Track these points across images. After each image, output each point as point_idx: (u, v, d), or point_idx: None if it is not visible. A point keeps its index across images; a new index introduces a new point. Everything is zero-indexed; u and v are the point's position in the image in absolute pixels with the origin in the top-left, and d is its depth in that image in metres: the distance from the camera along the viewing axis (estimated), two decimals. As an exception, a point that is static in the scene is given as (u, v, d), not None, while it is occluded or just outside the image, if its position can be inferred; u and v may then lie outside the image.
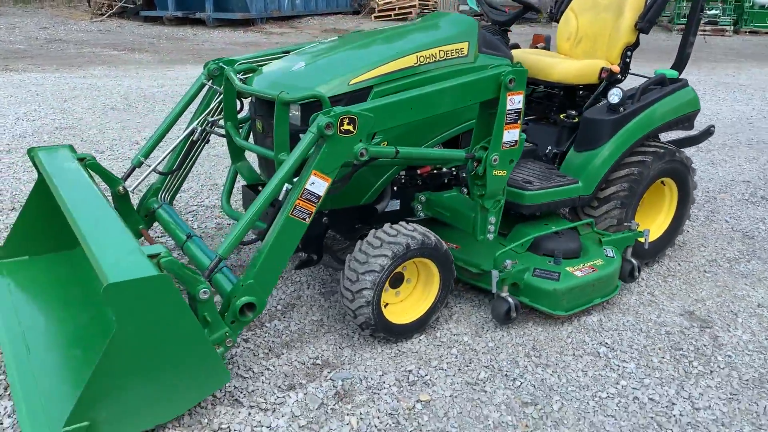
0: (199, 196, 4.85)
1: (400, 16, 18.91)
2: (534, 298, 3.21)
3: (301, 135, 2.63)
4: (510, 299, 3.13)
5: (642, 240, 3.59)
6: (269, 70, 3.17)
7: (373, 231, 2.99)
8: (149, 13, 16.85)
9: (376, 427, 2.52)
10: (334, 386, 2.74)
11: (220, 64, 3.47)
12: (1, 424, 2.43)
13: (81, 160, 3.23)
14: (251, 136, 3.41)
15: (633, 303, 3.53)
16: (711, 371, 2.97)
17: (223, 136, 3.52)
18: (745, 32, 19.95)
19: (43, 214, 3.35)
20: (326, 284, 3.59)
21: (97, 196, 2.84)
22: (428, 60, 3.10)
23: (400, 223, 3.03)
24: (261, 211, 2.54)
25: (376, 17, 18.75)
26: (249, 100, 3.34)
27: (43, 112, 6.99)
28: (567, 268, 3.28)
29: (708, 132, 4.29)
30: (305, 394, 2.68)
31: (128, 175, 3.46)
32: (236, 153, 3.40)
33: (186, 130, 3.49)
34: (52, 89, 8.25)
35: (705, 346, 3.17)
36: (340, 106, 2.71)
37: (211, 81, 3.47)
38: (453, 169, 3.42)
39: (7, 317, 2.92)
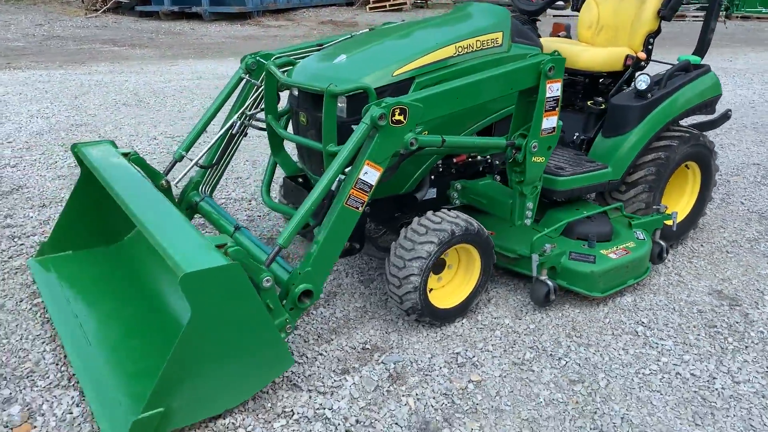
0: (225, 190, 4.91)
1: (395, 7, 18.93)
2: (571, 281, 3.30)
3: (353, 126, 2.70)
4: (549, 282, 3.22)
5: (670, 223, 3.69)
6: (310, 63, 3.23)
7: (417, 219, 3.07)
8: (144, 7, 16.79)
9: (432, 407, 2.62)
10: (386, 369, 2.83)
11: (258, 58, 3.53)
12: (71, 413, 2.50)
13: (125, 155, 3.29)
14: (290, 128, 3.47)
15: (662, 284, 3.64)
16: (746, 347, 3.08)
17: (261, 129, 3.58)
18: (737, 17, 20.12)
19: (87, 209, 3.41)
20: (364, 272, 3.67)
21: (152, 190, 2.90)
22: (466, 50, 3.17)
23: (442, 210, 3.11)
24: (318, 202, 2.61)
25: (371, 8, 18.76)
26: (288, 93, 3.39)
27: (56, 109, 7.02)
28: (601, 251, 3.37)
29: (725, 116, 4.39)
30: (360, 377, 2.77)
31: (170, 169, 3.52)
32: (276, 145, 3.46)
33: (225, 124, 3.54)
34: (59, 86, 8.26)
35: (737, 323, 3.28)
36: (385, 97, 2.79)
37: (248, 75, 3.53)
38: (488, 157, 3.50)
39: (62, 310, 2.99)
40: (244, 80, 3.55)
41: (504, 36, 3.31)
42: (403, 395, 2.67)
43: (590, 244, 3.41)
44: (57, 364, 2.78)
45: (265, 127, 3.58)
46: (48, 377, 2.71)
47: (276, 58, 3.47)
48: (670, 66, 3.87)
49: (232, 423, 2.47)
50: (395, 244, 3.04)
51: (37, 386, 2.65)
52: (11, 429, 2.42)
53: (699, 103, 3.84)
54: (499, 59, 3.25)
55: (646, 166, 3.70)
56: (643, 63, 3.90)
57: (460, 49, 3.15)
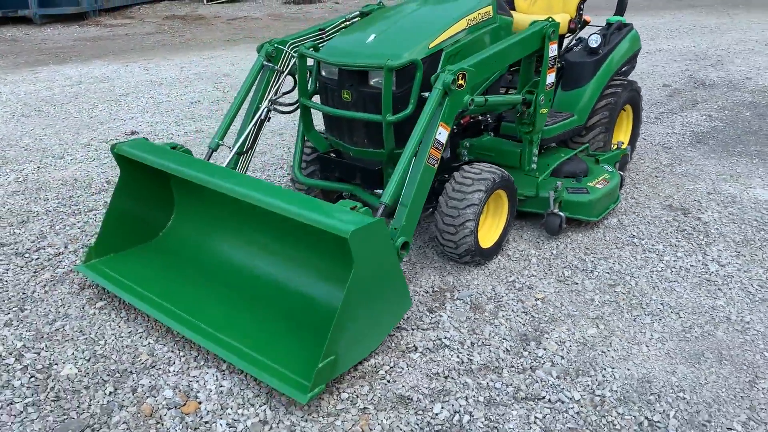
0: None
1: (234, -2, 18.66)
2: (573, 211, 3.93)
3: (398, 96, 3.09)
4: (561, 213, 3.83)
5: (628, 154, 4.47)
6: (343, 44, 3.51)
7: (458, 174, 3.50)
8: (-45, 15, 15.06)
9: (521, 322, 3.11)
10: (465, 303, 3.27)
11: (276, 45, 3.73)
12: (222, 386, 2.67)
13: (174, 148, 3.37)
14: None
15: (626, 206, 4.40)
16: (713, 240, 3.92)
17: (284, 113, 3.80)
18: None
19: (128, 209, 3.45)
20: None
21: (242, 176, 3.07)
22: (473, 23, 3.64)
23: (474, 164, 3.58)
24: (408, 165, 2.96)
25: (209, 0, 18.37)
26: (317, 74, 3.62)
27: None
28: (589, 184, 4.04)
29: None
30: (449, 312, 3.18)
31: (209, 158, 3.62)
32: (308, 125, 3.71)
33: (250, 110, 3.71)
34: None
35: (697, 225, 4.12)
36: (424, 68, 3.19)
37: (269, 62, 3.72)
38: (487, 116, 4.02)
39: (156, 304, 3.06)
40: (265, 67, 3.73)
41: (493, 9, 3.82)
42: (492, 318, 3.14)
43: (578, 179, 4.07)
44: (175, 352, 2.89)
45: (286, 110, 3.81)
46: (174, 363, 2.82)
47: (296, 44, 3.71)
48: (599, 27, 4.63)
49: (376, 363, 2.79)
50: (443, 199, 3.46)
51: (170, 372, 2.77)
52: (179, 408, 2.55)
53: (630, 56, 4.64)
54: (494, 29, 3.76)
55: (601, 111, 4.44)
56: (578, 25, 4.61)
57: (469, 22, 3.62)
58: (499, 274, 3.55)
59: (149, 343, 2.96)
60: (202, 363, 2.82)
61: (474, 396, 2.61)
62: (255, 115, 3.71)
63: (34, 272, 3.58)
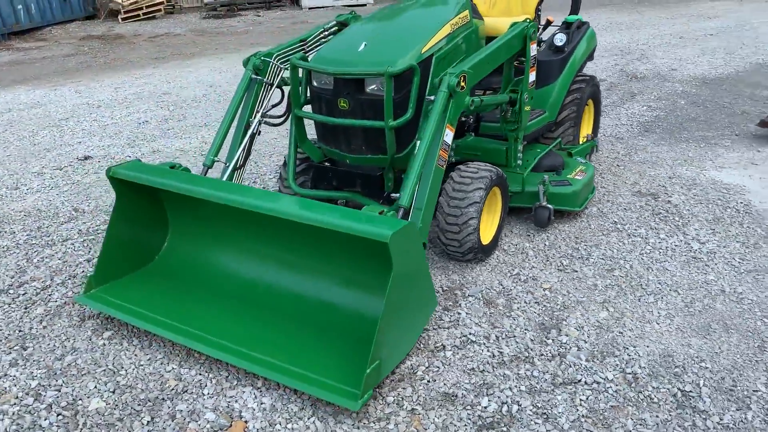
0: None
1: (149, 15, 18.22)
2: (559, 202, 4.09)
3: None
4: (549, 206, 3.97)
5: (596, 146, 4.69)
6: (335, 54, 3.52)
7: (454, 174, 3.57)
8: None
9: (535, 312, 3.22)
10: (477, 299, 3.35)
11: (262, 57, 3.70)
12: (263, 403, 2.63)
13: (172, 167, 3.29)
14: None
15: (599, 195, 4.62)
16: (687, 221, 4.17)
17: (275, 125, 3.78)
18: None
19: (124, 235, 3.34)
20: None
21: (258, 190, 3.04)
22: (455, 27, 3.74)
23: (468, 164, 3.67)
24: (421, 168, 3.01)
25: (123, 19, 17.82)
26: (309, 84, 3.62)
27: None
28: (569, 176, 4.22)
29: None
30: (465, 310, 3.25)
31: (204, 175, 3.54)
32: (302, 135, 3.69)
33: (245, 125, 3.66)
34: None
35: (669, 208, 4.37)
36: (418, 72, 3.27)
37: (256, 74, 3.68)
38: (470, 117, 4.12)
39: (173, 328, 2.97)
40: (253, 80, 3.69)
41: (470, 13, 3.93)
42: (508, 312, 3.23)
43: (558, 173, 4.23)
44: (203, 374, 2.83)
45: (276, 123, 3.79)
46: (206, 385, 2.76)
47: (281, 56, 3.69)
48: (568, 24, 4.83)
49: (411, 365, 2.82)
50: (445, 198, 3.52)
51: (204, 395, 2.70)
52: (226, 430, 2.50)
53: (590, 52, 4.87)
54: (469, 33, 3.87)
55: (569, 107, 4.64)
56: (542, 24, 4.80)
57: (452, 27, 3.71)
58: (501, 268, 3.65)
59: (173, 368, 2.87)
60: (235, 383, 2.76)
61: (516, 386, 2.68)
62: (247, 130, 3.66)
63: (26, 308, 3.40)
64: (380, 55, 3.39)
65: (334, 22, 4.17)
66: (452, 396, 2.64)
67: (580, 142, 4.72)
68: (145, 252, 3.49)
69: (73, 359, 2.95)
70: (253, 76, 3.70)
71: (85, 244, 4.10)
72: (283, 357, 2.73)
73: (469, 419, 2.51)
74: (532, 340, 3.00)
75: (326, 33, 4.10)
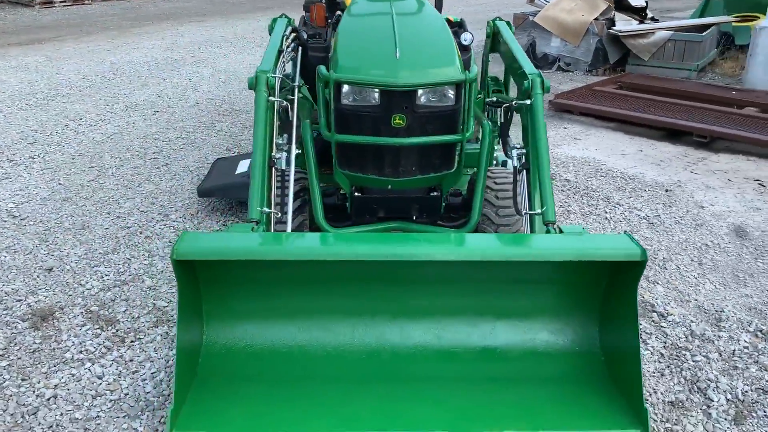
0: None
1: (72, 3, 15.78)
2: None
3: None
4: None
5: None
6: (368, 65, 3.03)
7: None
8: None
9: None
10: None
11: (271, 75, 2.99)
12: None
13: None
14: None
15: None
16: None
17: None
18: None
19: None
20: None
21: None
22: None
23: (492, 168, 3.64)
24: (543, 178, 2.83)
25: (42, 4, 15.38)
26: (342, 101, 2.98)
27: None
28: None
29: None
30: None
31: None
32: (334, 164, 3.29)
33: (267, 161, 2.87)
34: None
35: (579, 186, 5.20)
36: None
37: (269, 93, 2.94)
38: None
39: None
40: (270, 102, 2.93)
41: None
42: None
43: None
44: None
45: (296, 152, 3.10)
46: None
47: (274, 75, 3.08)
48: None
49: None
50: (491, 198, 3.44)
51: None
52: None
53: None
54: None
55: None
56: None
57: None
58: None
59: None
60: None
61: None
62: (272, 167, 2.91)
63: None
64: (431, 62, 3.08)
65: (290, 29, 3.57)
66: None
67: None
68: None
69: None
70: (272, 98, 2.91)
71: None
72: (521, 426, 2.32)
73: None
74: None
75: (289, 41, 3.50)
